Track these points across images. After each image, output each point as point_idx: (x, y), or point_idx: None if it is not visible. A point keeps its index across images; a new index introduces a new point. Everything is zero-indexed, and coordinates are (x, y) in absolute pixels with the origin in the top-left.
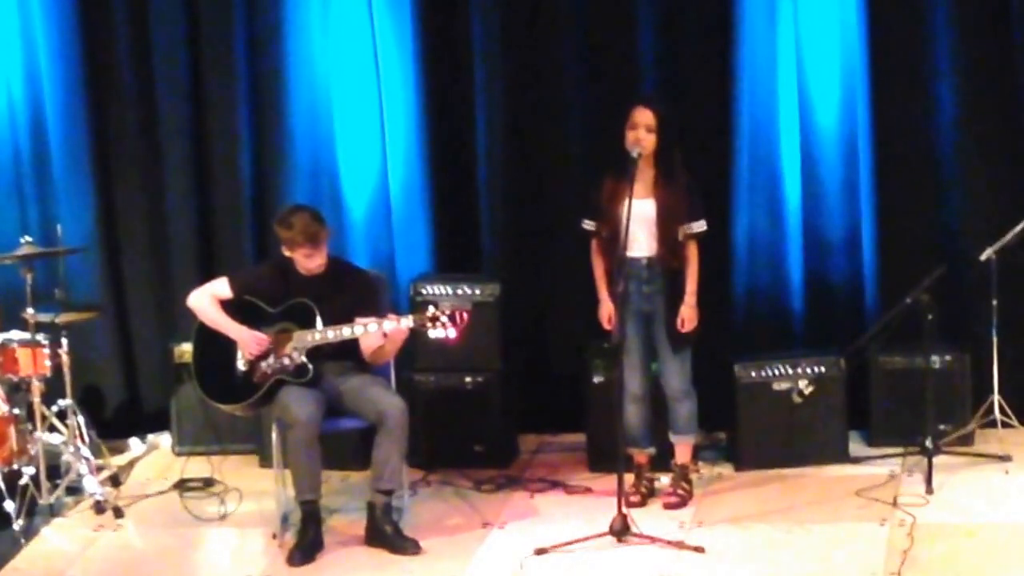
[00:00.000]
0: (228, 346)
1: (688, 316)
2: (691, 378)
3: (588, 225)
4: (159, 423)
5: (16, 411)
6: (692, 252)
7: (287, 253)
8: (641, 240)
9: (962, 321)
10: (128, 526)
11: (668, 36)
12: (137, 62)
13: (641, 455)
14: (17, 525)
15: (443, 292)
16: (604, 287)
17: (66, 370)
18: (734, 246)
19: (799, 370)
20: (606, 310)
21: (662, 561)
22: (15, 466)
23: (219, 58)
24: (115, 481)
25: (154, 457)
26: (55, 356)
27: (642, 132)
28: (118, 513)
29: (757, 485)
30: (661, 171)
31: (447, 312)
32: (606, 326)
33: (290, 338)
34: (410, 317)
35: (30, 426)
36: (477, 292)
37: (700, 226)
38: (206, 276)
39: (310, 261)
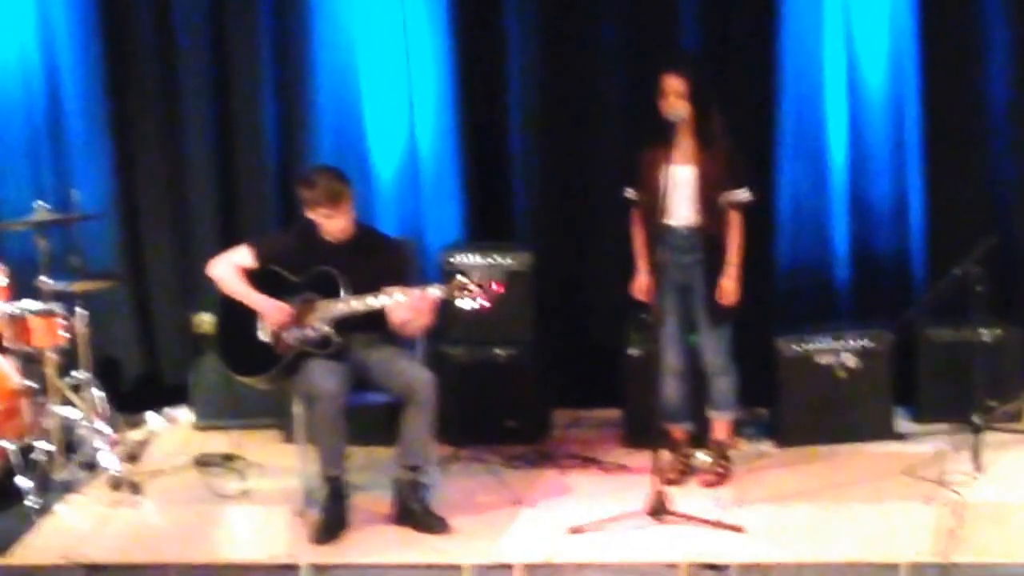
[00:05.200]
0: (250, 317)
1: (729, 288)
2: (731, 352)
3: (631, 194)
4: (178, 396)
5: (30, 383)
6: (734, 221)
7: (309, 215)
8: (682, 209)
9: (1013, 293)
10: (146, 503)
11: None
12: (157, 19)
13: (679, 431)
14: (31, 501)
15: (475, 261)
16: (644, 258)
17: (82, 341)
18: (778, 215)
19: (844, 343)
20: (642, 281)
21: (700, 541)
22: (29, 440)
23: (243, 17)
24: (132, 456)
25: (173, 432)
26: (70, 327)
27: (672, 99)
28: (135, 489)
29: (799, 462)
30: (700, 137)
31: (477, 281)
32: (640, 297)
33: (314, 308)
34: (439, 287)
35: (44, 399)
36: (510, 261)
37: (743, 195)
38: (228, 244)
39: (332, 223)
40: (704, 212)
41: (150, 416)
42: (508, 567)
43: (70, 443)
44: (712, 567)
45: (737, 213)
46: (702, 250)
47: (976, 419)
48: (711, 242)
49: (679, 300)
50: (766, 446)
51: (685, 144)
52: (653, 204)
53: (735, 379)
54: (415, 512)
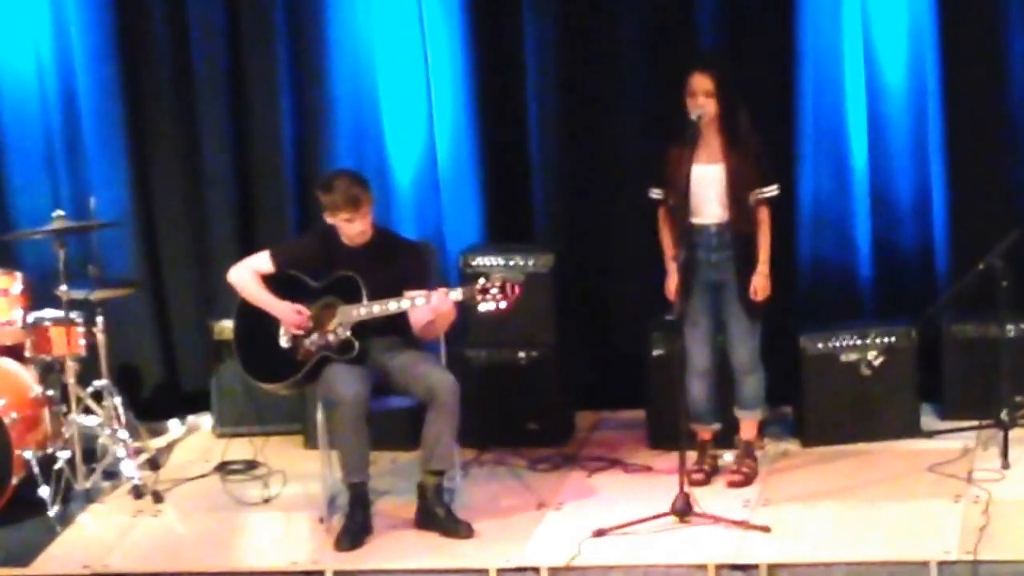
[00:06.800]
0: (271, 323)
1: (761, 285)
2: (760, 351)
3: (656, 194)
4: (199, 403)
5: (49, 392)
6: (764, 217)
7: (328, 219)
8: (710, 207)
9: None
10: (168, 511)
11: None
12: (172, 27)
13: (705, 431)
14: (52, 511)
15: (495, 263)
16: (675, 257)
17: (101, 349)
18: (800, 213)
19: (868, 341)
20: (674, 282)
21: (727, 541)
22: (49, 450)
23: (259, 24)
24: (154, 464)
25: (194, 439)
26: (89, 335)
27: (702, 99)
28: (157, 498)
29: (825, 461)
30: (728, 135)
31: (497, 284)
32: (673, 298)
33: (335, 313)
34: (459, 290)
35: (64, 408)
36: (531, 263)
37: (772, 190)
38: (246, 250)
39: (351, 227)
40: (734, 209)
41: (171, 424)
42: (533, 570)
43: (91, 452)
44: (739, 568)
45: (766, 209)
46: (733, 247)
47: (1003, 415)
48: (741, 239)
49: (709, 299)
50: (791, 445)
51: (712, 142)
52: (681, 203)
53: (764, 378)
54: (439, 516)
